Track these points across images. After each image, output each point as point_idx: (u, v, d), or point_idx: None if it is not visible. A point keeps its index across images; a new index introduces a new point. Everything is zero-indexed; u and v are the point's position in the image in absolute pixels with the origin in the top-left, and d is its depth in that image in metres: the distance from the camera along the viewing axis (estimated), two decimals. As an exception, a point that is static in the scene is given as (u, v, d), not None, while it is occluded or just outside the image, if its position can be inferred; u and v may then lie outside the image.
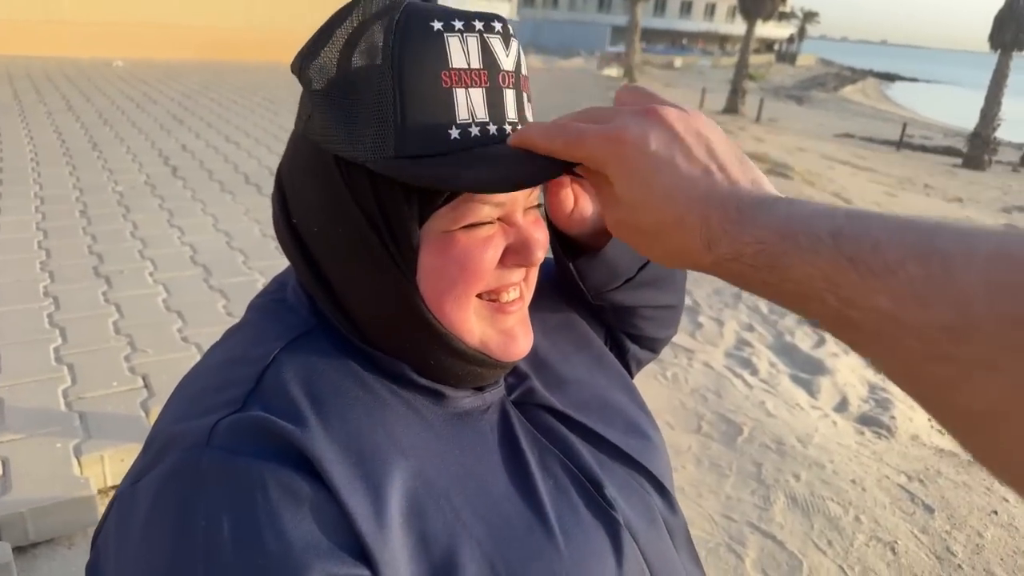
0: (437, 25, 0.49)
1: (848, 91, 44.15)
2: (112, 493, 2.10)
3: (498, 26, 0.51)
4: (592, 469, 0.62)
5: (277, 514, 0.45)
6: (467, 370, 0.57)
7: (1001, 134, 17.33)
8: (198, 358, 2.44)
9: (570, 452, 0.63)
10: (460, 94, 0.49)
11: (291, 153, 0.57)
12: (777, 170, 10.17)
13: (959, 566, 2.39)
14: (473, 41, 0.50)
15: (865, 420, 3.32)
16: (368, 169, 0.50)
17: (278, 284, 0.65)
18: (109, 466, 2.08)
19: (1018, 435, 0.27)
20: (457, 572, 0.50)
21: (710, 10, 70.43)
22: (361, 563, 0.46)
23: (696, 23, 70.01)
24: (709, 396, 3.32)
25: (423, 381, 0.57)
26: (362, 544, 0.46)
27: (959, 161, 17.17)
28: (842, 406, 3.44)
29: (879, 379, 3.85)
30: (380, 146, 0.49)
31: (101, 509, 2.01)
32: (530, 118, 0.55)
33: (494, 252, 0.54)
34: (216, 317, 2.96)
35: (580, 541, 0.57)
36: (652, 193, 0.44)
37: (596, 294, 0.73)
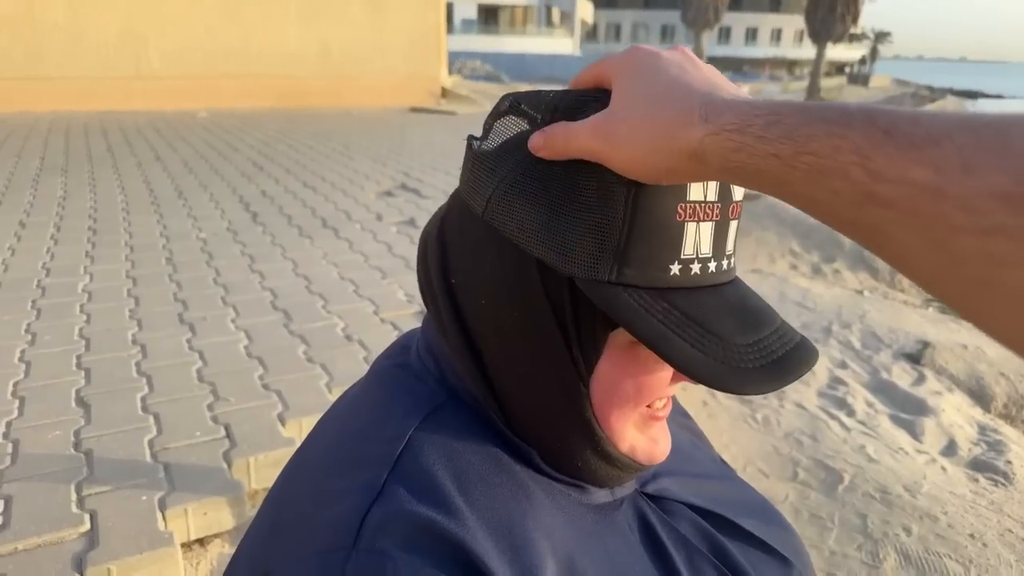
0: None
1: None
2: (195, 548, 2.09)
3: None
4: (746, 571, 0.56)
5: None
6: (611, 473, 0.53)
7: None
8: (279, 407, 2.44)
9: (721, 553, 0.57)
10: (691, 228, 0.46)
11: (460, 215, 0.52)
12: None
13: (1106, 637, 2.13)
14: None
15: (978, 465, 3.06)
16: None
17: (401, 347, 0.61)
18: (192, 520, 2.07)
19: None
20: None
21: (776, 35, 69.52)
22: None
23: (763, 49, 69.20)
24: (804, 440, 3.12)
25: (558, 474, 0.53)
26: None
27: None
28: (950, 450, 3.18)
29: (988, 419, 3.56)
30: (593, 267, 0.45)
31: (184, 564, 1.99)
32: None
33: (667, 372, 0.51)
34: (296, 364, 2.96)
35: None
36: (655, 83, 0.42)
37: None
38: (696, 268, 0.46)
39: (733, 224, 0.49)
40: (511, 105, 0.50)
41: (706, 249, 0.47)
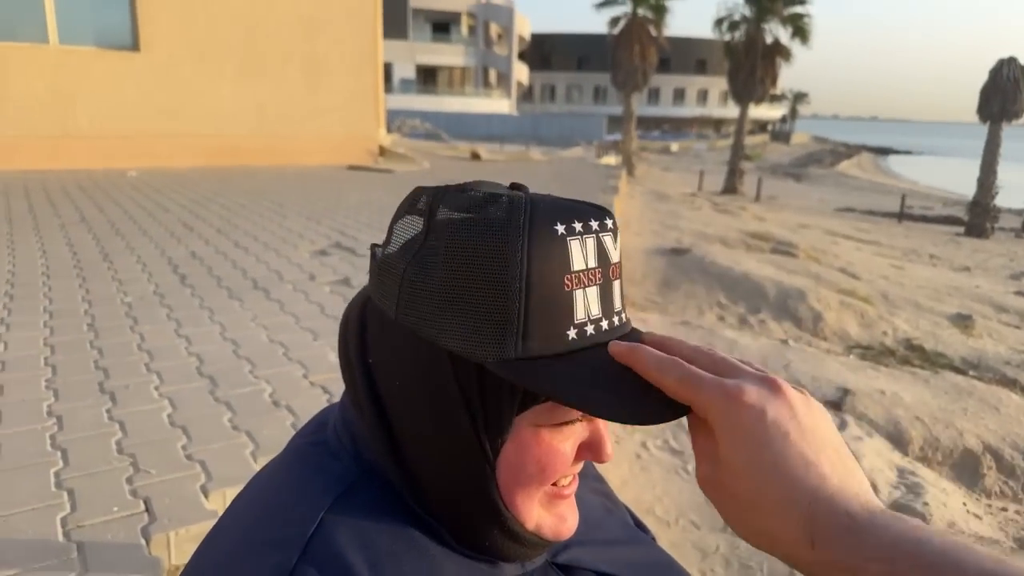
0: (560, 229, 0.49)
1: (844, 166, 44.99)
2: (108, 632, 1.99)
3: (610, 223, 0.53)
4: None
5: None
6: (518, 550, 0.56)
7: (1000, 201, 17.49)
8: (202, 478, 2.36)
9: None
10: (579, 295, 0.50)
11: (381, 298, 0.54)
12: (781, 248, 10.20)
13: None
14: (591, 242, 0.51)
15: (897, 507, 3.17)
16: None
17: (317, 424, 0.63)
18: (106, 602, 1.98)
19: None
20: None
21: (703, 96, 72.80)
22: None
23: (690, 109, 72.30)
24: (732, 491, 3.18)
25: (468, 551, 0.56)
26: None
27: (961, 230, 17.27)
28: (872, 494, 3.29)
29: (907, 462, 3.71)
30: (499, 348, 0.48)
31: (97, 650, 1.89)
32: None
33: (571, 451, 0.54)
34: (222, 432, 2.89)
35: None
36: (757, 464, 0.42)
37: None
38: (591, 329, 0.50)
39: (616, 284, 0.53)
40: (410, 203, 0.54)
41: (596, 311, 0.51)
